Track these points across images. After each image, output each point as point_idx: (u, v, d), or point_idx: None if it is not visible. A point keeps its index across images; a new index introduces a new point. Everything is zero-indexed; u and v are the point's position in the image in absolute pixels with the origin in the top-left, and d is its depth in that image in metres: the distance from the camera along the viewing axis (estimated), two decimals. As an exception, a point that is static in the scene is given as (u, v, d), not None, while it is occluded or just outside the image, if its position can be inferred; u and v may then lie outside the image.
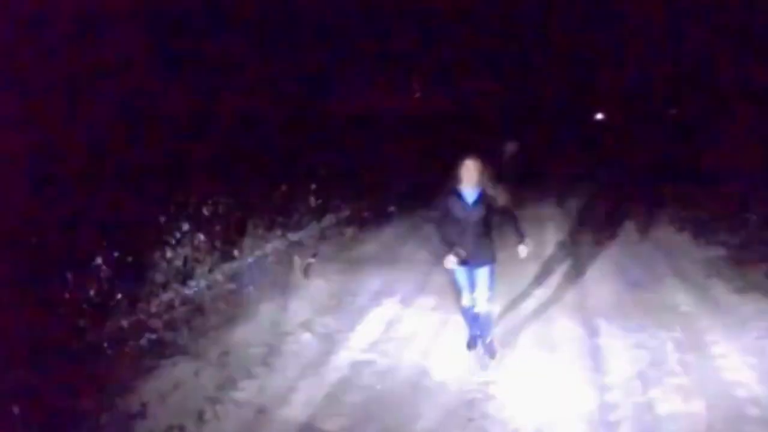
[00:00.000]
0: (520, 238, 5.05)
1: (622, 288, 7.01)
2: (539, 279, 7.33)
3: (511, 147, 14.29)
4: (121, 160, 7.69)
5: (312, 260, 7.83)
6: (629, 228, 9.76)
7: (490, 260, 5.07)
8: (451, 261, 4.94)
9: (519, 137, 14.94)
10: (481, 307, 5.18)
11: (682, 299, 6.54)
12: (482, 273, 5.10)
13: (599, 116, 32.14)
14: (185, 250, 6.93)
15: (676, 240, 9.01)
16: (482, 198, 4.95)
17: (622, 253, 8.40)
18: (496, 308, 5.73)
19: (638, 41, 22.21)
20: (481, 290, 5.15)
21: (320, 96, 14.70)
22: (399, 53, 18.24)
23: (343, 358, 5.42)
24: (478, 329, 5.37)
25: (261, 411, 4.58)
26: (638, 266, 7.77)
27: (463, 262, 4.99)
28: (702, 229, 8.96)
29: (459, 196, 4.97)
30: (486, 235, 5.01)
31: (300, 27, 13.99)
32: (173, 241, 6.82)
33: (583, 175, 15.12)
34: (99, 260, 5.90)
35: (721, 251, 8.02)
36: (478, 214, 4.95)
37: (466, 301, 5.29)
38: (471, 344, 5.45)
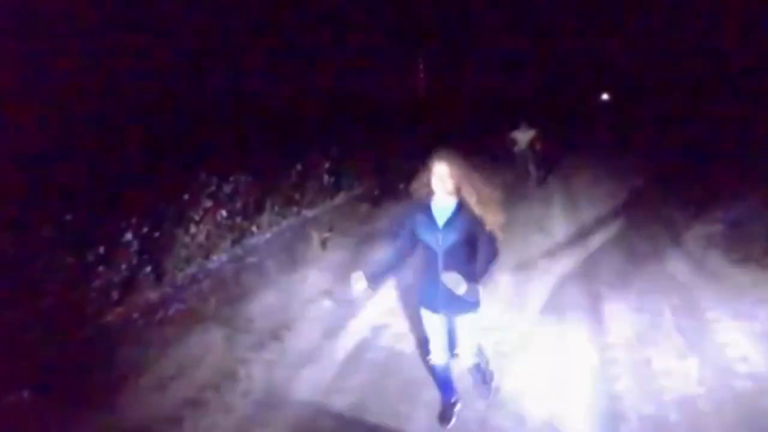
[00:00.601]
0: (476, 276, 3.54)
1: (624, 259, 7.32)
2: (546, 249, 7.69)
3: (524, 135, 11.42)
4: (145, 141, 8.08)
5: (328, 234, 8.18)
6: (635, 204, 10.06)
7: (473, 305, 3.64)
8: (356, 284, 3.61)
9: (534, 122, 11.65)
10: (467, 360, 4.02)
11: (681, 269, 6.84)
12: (463, 323, 3.77)
13: (605, 97, 32.33)
14: (208, 227, 7.32)
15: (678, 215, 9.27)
16: (459, 215, 3.52)
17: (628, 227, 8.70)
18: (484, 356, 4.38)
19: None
20: (464, 344, 3.88)
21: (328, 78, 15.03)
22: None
23: (362, 322, 5.79)
24: (452, 395, 4.14)
25: (290, 369, 4.97)
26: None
27: (432, 308, 3.74)
28: (704, 205, 9.19)
29: (427, 213, 3.59)
30: (465, 268, 3.52)
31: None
32: (196, 218, 7.21)
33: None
34: (129, 236, 6.28)
35: (720, 227, 8.16)
36: (453, 239, 3.51)
37: (436, 357, 3.95)
38: (445, 416, 4.09)
